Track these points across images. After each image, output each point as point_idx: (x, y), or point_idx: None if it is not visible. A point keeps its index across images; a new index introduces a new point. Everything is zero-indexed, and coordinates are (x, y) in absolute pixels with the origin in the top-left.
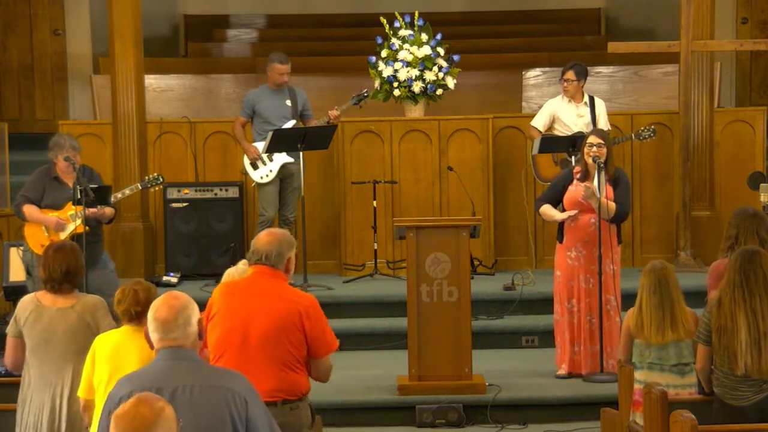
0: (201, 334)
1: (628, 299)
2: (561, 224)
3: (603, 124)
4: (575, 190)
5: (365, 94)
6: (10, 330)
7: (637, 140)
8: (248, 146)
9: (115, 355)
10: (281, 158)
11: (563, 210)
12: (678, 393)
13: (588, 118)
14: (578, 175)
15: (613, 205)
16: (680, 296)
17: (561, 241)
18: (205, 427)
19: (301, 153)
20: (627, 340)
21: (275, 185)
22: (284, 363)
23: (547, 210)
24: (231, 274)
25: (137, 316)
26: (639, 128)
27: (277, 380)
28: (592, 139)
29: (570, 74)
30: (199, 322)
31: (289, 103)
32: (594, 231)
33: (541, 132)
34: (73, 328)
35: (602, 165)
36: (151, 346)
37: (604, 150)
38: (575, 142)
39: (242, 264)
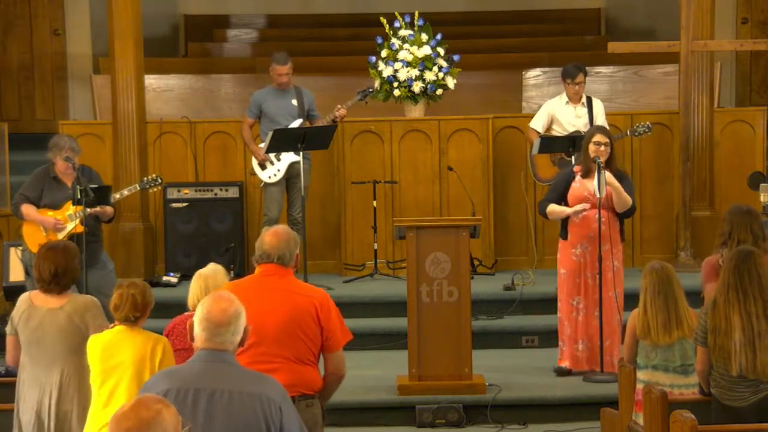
0: (244, 342)
1: (628, 299)
2: (565, 221)
3: (601, 124)
4: (579, 187)
5: (370, 90)
6: (8, 328)
7: (633, 137)
8: (256, 149)
9: (106, 355)
10: (289, 157)
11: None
12: (682, 393)
13: (586, 118)
14: (579, 173)
15: (628, 196)
16: (683, 294)
17: (565, 238)
18: None
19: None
20: (632, 341)
21: (281, 186)
22: (300, 357)
23: (556, 208)
24: (202, 275)
25: (135, 321)
26: (635, 125)
27: (294, 375)
28: (599, 137)
29: (581, 77)
30: (245, 330)
31: (295, 102)
32: (599, 226)
33: (540, 133)
34: (62, 328)
35: (602, 165)
36: (191, 339)
37: (609, 149)
38: (574, 141)
39: (212, 265)
